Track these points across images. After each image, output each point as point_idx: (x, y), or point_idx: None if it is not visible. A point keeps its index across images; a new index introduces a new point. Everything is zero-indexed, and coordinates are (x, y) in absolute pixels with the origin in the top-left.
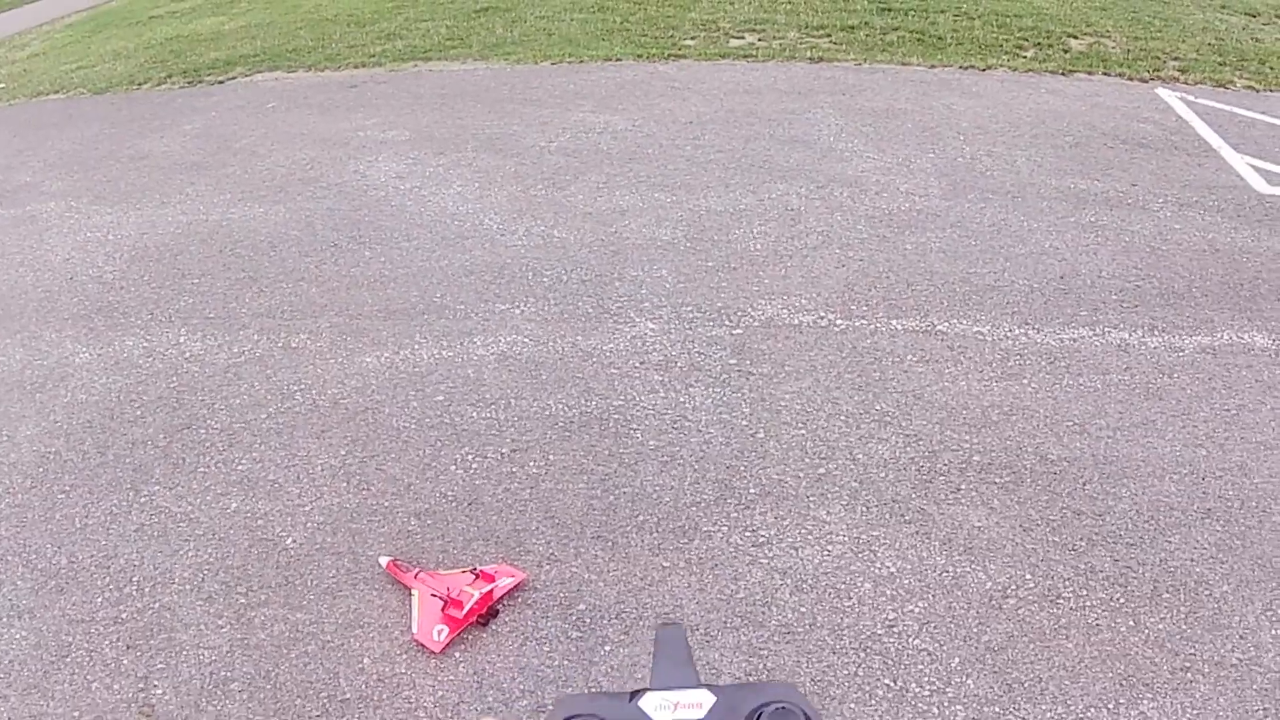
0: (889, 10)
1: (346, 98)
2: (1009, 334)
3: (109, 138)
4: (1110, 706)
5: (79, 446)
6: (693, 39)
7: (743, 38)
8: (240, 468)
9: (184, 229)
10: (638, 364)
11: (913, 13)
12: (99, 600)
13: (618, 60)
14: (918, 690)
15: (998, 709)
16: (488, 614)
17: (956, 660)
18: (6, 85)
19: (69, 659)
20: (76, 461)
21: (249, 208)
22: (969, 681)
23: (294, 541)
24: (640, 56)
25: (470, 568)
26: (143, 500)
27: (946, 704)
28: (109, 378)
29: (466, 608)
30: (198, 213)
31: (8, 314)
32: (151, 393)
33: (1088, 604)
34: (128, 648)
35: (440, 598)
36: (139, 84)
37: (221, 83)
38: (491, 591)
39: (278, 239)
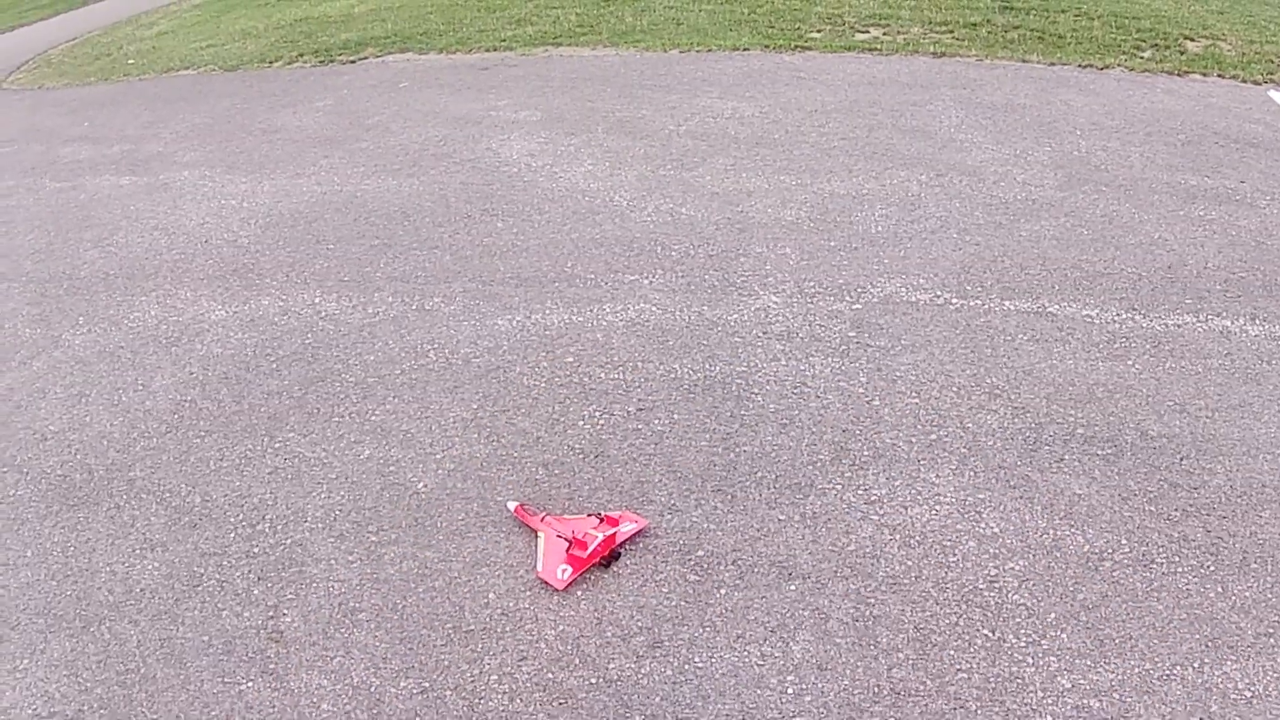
0: (1011, 9)
1: (478, 79)
2: (1116, 318)
3: (241, 112)
4: (1196, 666)
5: (214, 396)
6: (818, 31)
7: (867, 31)
8: (374, 418)
9: (319, 199)
10: (760, 334)
11: (1034, 11)
12: (231, 536)
13: (745, 50)
14: (1014, 641)
15: (1089, 662)
16: (610, 556)
17: (1053, 615)
18: (136, 61)
19: (200, 588)
20: (212, 409)
21: (383, 180)
22: (1063, 635)
23: (425, 486)
24: (767, 47)
25: (595, 513)
26: (277, 446)
27: (1041, 655)
28: (244, 333)
29: (590, 549)
30: (332, 184)
31: (142, 273)
32: (287, 348)
33: (1179, 570)
34: (258, 579)
35: (565, 539)
36: (270, 62)
37: (353, 62)
38: (615, 535)
39: (411, 210)
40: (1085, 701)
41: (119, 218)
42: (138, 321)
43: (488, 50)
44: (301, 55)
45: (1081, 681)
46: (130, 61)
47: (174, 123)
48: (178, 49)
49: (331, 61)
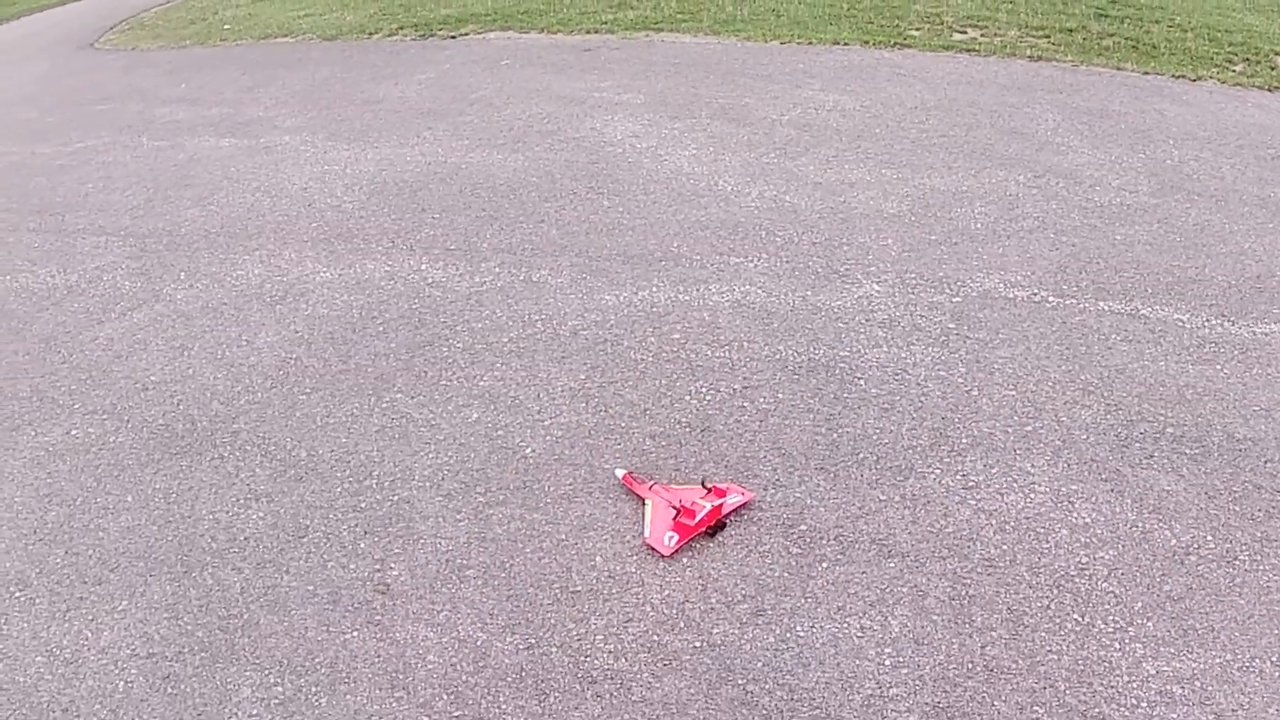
0: (1106, 16)
1: (580, 60)
2: (1206, 323)
3: (341, 81)
4: (1274, 659)
5: (320, 354)
6: (917, 30)
7: (965, 32)
8: (482, 383)
9: (423, 169)
10: (863, 321)
11: (1129, 20)
12: (338, 490)
13: (845, 44)
14: (1103, 626)
15: (1173, 649)
16: (716, 526)
17: (1139, 604)
18: (232, 26)
19: (305, 539)
20: (318, 367)
21: (488, 154)
22: (1149, 624)
23: (533, 451)
24: (866, 43)
25: (703, 483)
26: (384, 405)
27: (1128, 641)
28: (350, 295)
29: (698, 517)
30: (436, 155)
31: (245, 233)
32: (393, 311)
33: (1262, 567)
34: (365, 533)
35: (673, 507)
36: (369, 34)
37: (453, 38)
38: (721, 506)
39: (517, 184)
40: (1168, 687)
41: (219, 178)
42: (241, 279)
43: (588, 32)
44: (401, 28)
45: (1165, 668)
46: (226, 27)
47: (273, 88)
48: (274, 16)
49: (432, 36)
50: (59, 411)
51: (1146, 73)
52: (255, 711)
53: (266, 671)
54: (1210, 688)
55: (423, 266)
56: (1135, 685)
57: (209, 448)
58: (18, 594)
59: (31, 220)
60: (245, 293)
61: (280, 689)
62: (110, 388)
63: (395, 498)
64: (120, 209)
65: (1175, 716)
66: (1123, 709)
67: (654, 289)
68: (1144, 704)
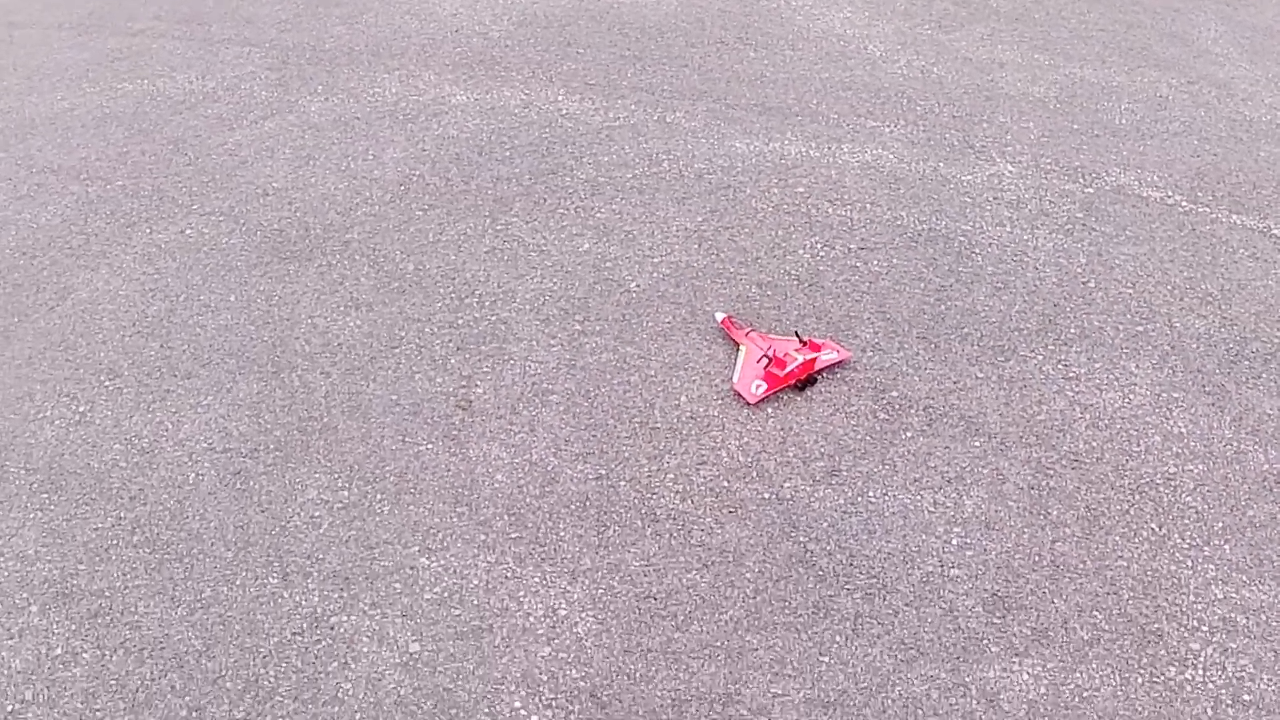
0: None
1: None
2: None
3: None
4: None
5: (444, 174)
6: None
7: None
8: (598, 215)
9: (574, 4)
10: (990, 198)
11: None
12: (438, 305)
13: None
14: (1178, 541)
15: (1245, 578)
16: (806, 380)
17: (1220, 525)
18: None
19: (397, 350)
20: (439, 186)
21: None
22: (1226, 547)
23: (637, 286)
24: None
25: (797, 335)
26: (499, 228)
27: (1201, 560)
28: (482, 119)
29: (788, 369)
30: None
31: (389, 53)
32: (523, 139)
33: None
34: (457, 349)
35: (766, 356)
36: None
37: None
38: (814, 361)
39: (666, 28)
40: (1232, 615)
41: None
42: (377, 96)
43: None
44: None
45: (1234, 595)
46: None
47: None
48: None
49: None
50: (177, 211)
51: None
52: (318, 514)
53: (336, 475)
54: (1275, 623)
55: (559, 98)
56: (1200, 607)
57: (318, 255)
58: (107, 383)
59: (178, 29)
60: (379, 109)
61: (346, 493)
62: (231, 191)
63: (493, 318)
64: (267, 22)
65: (1234, 646)
66: (1182, 629)
67: (785, 142)
68: (1204, 628)
